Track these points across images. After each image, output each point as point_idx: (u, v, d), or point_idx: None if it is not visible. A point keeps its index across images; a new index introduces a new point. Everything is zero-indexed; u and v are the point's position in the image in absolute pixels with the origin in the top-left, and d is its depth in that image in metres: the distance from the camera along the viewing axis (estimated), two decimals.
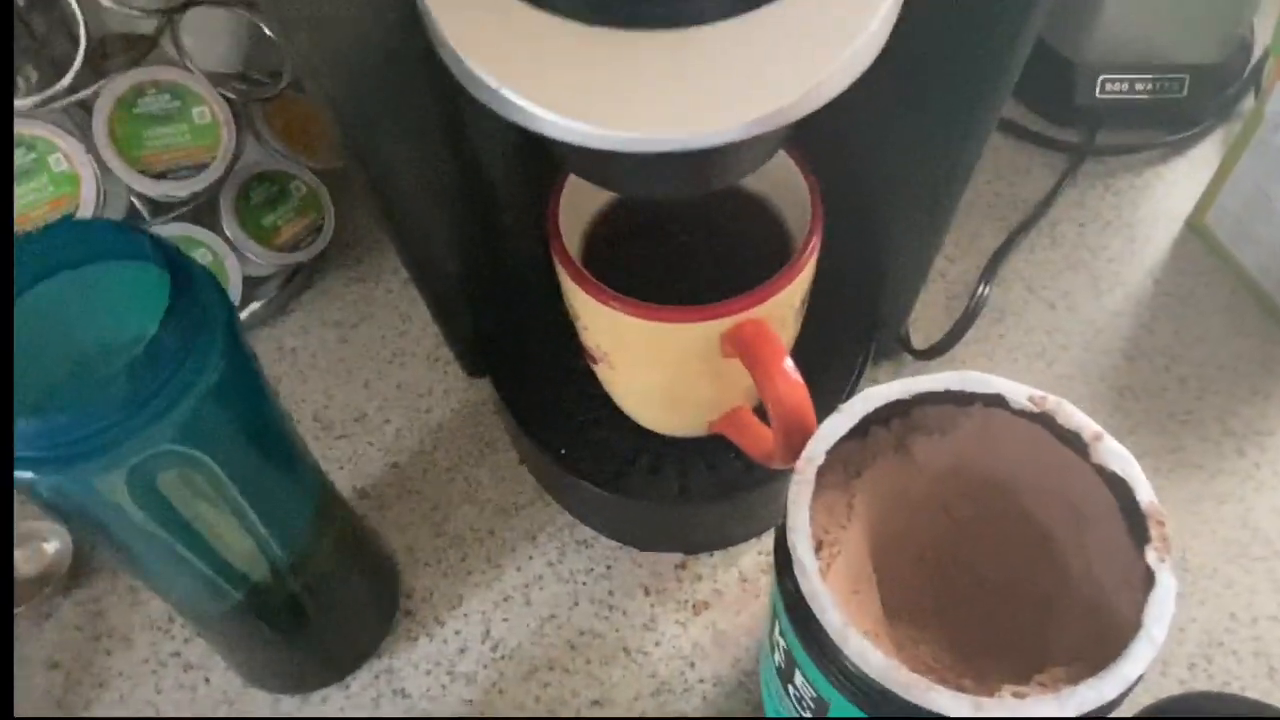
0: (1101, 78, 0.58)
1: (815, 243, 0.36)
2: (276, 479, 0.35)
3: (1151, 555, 0.29)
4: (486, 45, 0.21)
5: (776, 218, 0.40)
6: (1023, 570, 0.34)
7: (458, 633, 0.45)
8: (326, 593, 0.40)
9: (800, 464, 0.31)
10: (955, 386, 0.33)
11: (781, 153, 0.38)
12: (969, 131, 0.38)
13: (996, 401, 0.33)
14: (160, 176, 0.45)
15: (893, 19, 0.22)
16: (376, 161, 0.36)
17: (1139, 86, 0.58)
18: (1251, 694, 0.43)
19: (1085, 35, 0.58)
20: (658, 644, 0.45)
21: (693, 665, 0.44)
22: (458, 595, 0.46)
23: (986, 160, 0.61)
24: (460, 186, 0.43)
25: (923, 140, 0.40)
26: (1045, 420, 0.32)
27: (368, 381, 0.54)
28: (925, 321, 0.54)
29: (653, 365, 0.38)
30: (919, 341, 0.53)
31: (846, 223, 0.47)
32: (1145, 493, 0.30)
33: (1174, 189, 0.59)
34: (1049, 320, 0.54)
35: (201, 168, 0.46)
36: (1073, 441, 0.32)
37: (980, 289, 0.54)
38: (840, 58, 0.21)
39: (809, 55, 0.21)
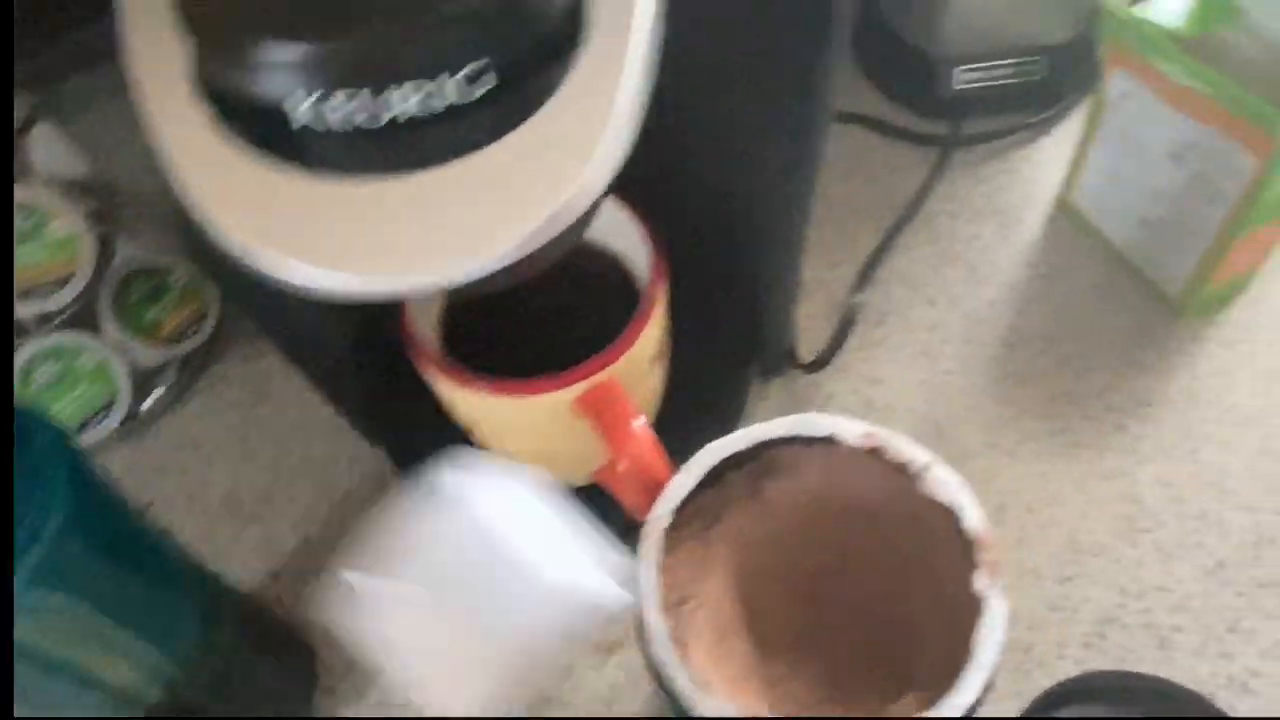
0: (959, 68, 0.59)
1: (655, 302, 0.36)
2: (153, 596, 0.36)
3: (981, 581, 0.30)
4: (229, 206, 0.22)
5: (629, 272, 0.41)
6: (889, 596, 0.36)
7: (379, 703, 0.46)
8: (231, 689, 0.40)
9: (646, 526, 0.32)
10: (792, 432, 0.34)
11: (620, 209, 0.39)
12: (800, 140, 0.38)
13: (829, 441, 0.34)
14: (25, 295, 0.45)
15: (632, 127, 0.23)
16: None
17: (997, 72, 0.60)
18: (1145, 666, 0.44)
19: (938, 28, 0.59)
20: (576, 689, 0.46)
21: (610, 706, 0.45)
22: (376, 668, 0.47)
23: (859, 161, 0.62)
24: None
25: (757, 158, 0.40)
26: (879, 455, 0.33)
27: (273, 459, 0.54)
28: (813, 333, 0.55)
29: (515, 433, 0.39)
30: (808, 354, 0.54)
31: (709, 250, 0.48)
32: (972, 520, 0.31)
33: (1042, 170, 0.60)
34: (930, 317, 0.55)
35: (66, 280, 0.46)
36: (905, 472, 0.33)
37: (854, 295, 0.55)
38: (576, 182, 0.22)
39: (543, 183, 0.22)
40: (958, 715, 0.28)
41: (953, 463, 0.50)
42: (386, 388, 0.48)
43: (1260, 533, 0.47)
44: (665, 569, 0.32)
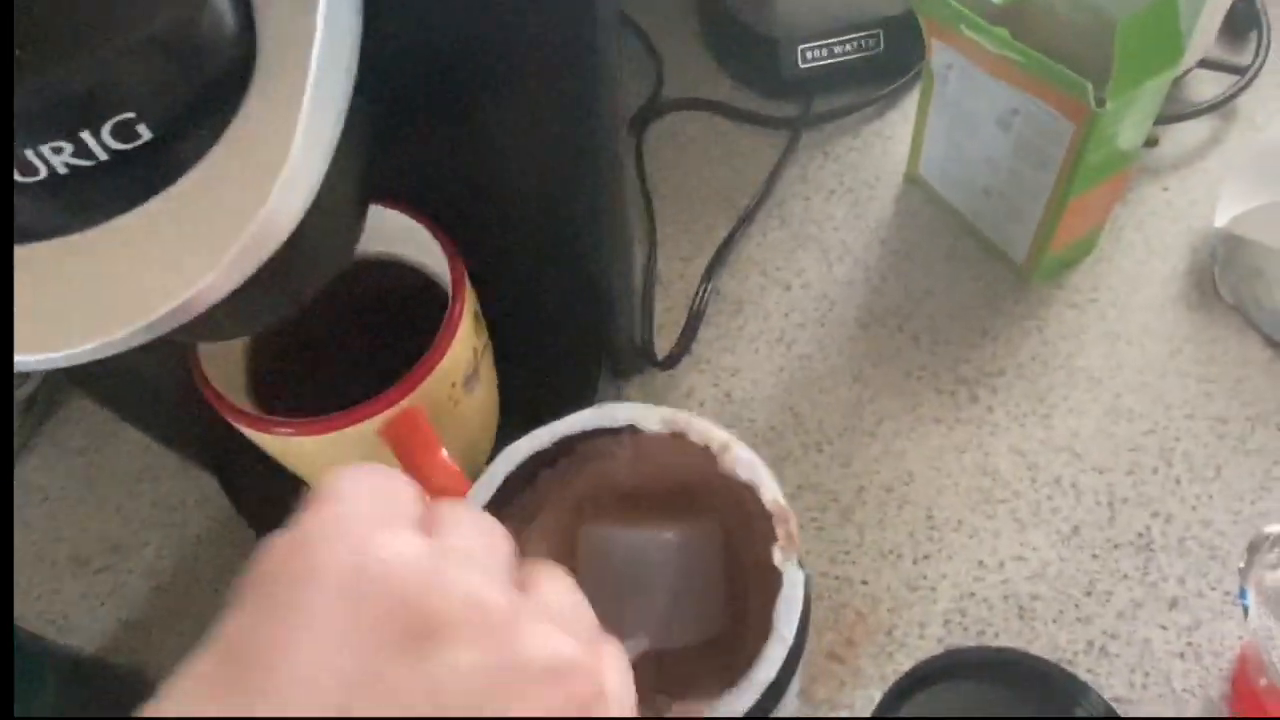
0: (801, 47, 0.59)
1: (457, 320, 0.35)
2: None
3: (777, 554, 0.30)
4: None
5: (441, 288, 0.40)
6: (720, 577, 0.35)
7: None
8: None
9: None
10: (593, 424, 0.34)
11: (419, 225, 0.38)
12: (589, 129, 0.37)
13: (635, 430, 0.34)
14: None
15: (318, 161, 0.22)
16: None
17: (838, 49, 0.59)
18: (1005, 637, 0.44)
19: (776, 9, 0.58)
20: None
21: None
22: None
23: (713, 148, 0.61)
24: None
25: (550, 154, 0.39)
26: (682, 439, 0.33)
27: (119, 506, 0.52)
28: (673, 328, 0.54)
29: (328, 469, 0.37)
30: (664, 349, 0.53)
31: (534, 256, 0.46)
32: (770, 493, 0.31)
33: (892, 144, 0.60)
34: (785, 302, 0.55)
35: None
36: (709, 453, 0.33)
37: (703, 285, 0.54)
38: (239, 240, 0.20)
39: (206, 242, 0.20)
40: (758, 695, 0.28)
41: (811, 448, 0.50)
42: (221, 427, 0.47)
43: (1113, 494, 0.47)
44: None
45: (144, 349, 0.42)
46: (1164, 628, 0.44)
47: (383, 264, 0.39)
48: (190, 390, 0.44)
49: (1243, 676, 0.41)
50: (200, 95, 0.20)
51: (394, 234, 0.38)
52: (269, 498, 0.46)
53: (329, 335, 0.40)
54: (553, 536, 0.35)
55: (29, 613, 0.49)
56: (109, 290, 0.22)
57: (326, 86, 0.21)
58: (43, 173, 0.20)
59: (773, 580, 0.31)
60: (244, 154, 0.21)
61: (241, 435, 0.44)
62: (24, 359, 0.22)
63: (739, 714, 0.28)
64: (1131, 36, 0.40)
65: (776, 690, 0.29)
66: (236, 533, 0.50)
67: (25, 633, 0.41)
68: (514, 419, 0.46)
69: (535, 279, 0.47)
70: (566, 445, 0.34)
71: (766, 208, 0.58)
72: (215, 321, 0.26)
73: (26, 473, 0.54)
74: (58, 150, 0.20)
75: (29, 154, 0.19)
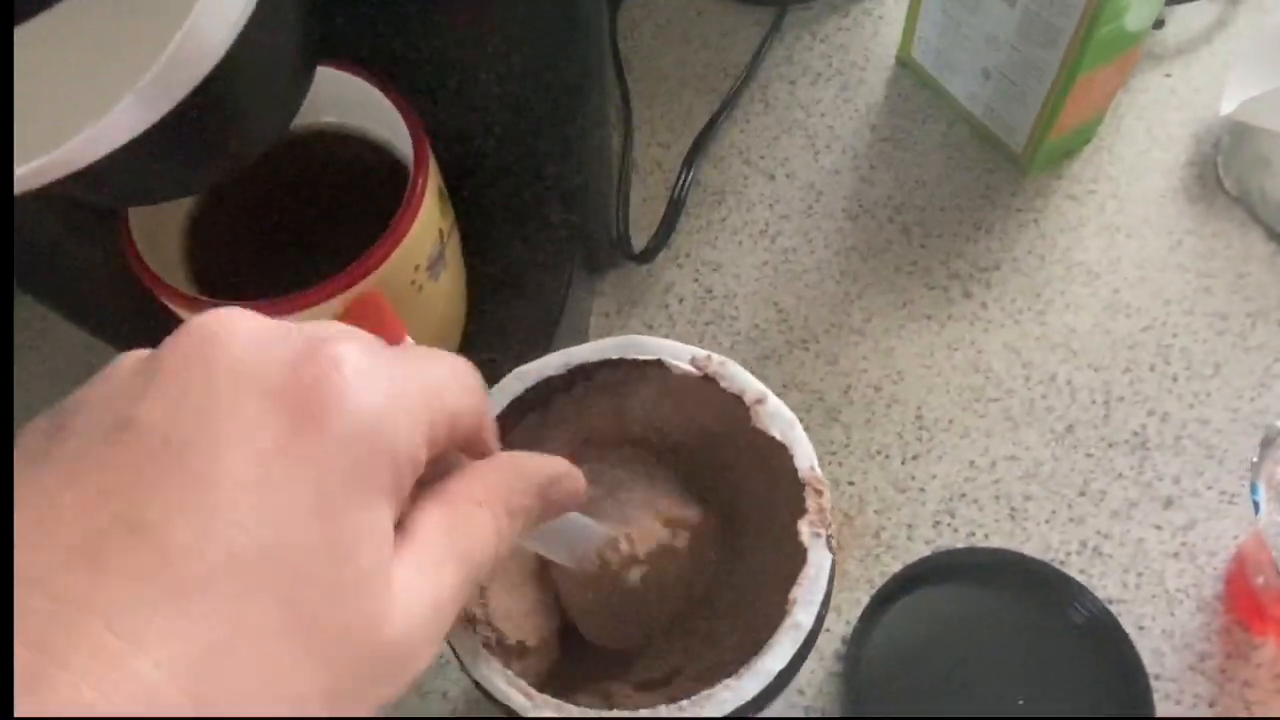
0: None
1: (419, 199, 0.32)
2: None
3: (805, 530, 0.27)
4: None
5: (403, 165, 0.36)
6: (727, 532, 0.33)
7: None
8: None
9: None
10: (614, 354, 0.31)
11: (376, 91, 0.34)
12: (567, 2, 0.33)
13: (661, 365, 0.31)
14: None
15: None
16: None
17: None
18: (996, 539, 0.43)
19: None
20: (445, 695, 0.42)
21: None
22: None
23: (693, 27, 0.57)
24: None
25: (523, 26, 0.35)
26: (711, 384, 0.30)
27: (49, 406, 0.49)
28: (649, 219, 0.51)
29: None
30: (643, 243, 0.50)
31: (507, 138, 0.43)
32: (804, 458, 0.28)
33: (882, 24, 0.56)
34: (770, 192, 0.52)
35: None
36: (740, 403, 0.30)
37: (683, 174, 0.51)
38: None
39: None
40: (765, 684, 0.25)
41: (797, 346, 0.47)
42: (157, 316, 0.43)
43: (1109, 391, 0.45)
44: None
45: (70, 224, 0.38)
46: (1158, 527, 0.42)
47: (336, 136, 0.36)
48: (128, 279, 0.41)
49: (1239, 576, 0.40)
50: None
51: (351, 102, 0.34)
52: None
53: (275, 215, 0.36)
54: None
55: None
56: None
57: None
58: None
59: (794, 553, 0.28)
60: None
61: (176, 323, 0.41)
62: None
63: (745, 700, 0.25)
64: None
65: (784, 678, 0.26)
66: None
67: None
68: (483, 316, 0.43)
69: (505, 163, 0.43)
70: (583, 372, 0.31)
71: (749, 92, 0.54)
72: (138, 170, 0.23)
73: None
74: None
75: None
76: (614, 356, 0.31)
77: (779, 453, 0.29)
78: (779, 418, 0.29)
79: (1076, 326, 0.47)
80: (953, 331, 0.47)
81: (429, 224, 0.33)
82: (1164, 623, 0.41)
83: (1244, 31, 0.54)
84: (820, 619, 0.26)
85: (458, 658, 0.27)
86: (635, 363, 0.31)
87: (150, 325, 0.42)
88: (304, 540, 0.16)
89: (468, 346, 0.42)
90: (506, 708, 0.25)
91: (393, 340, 0.31)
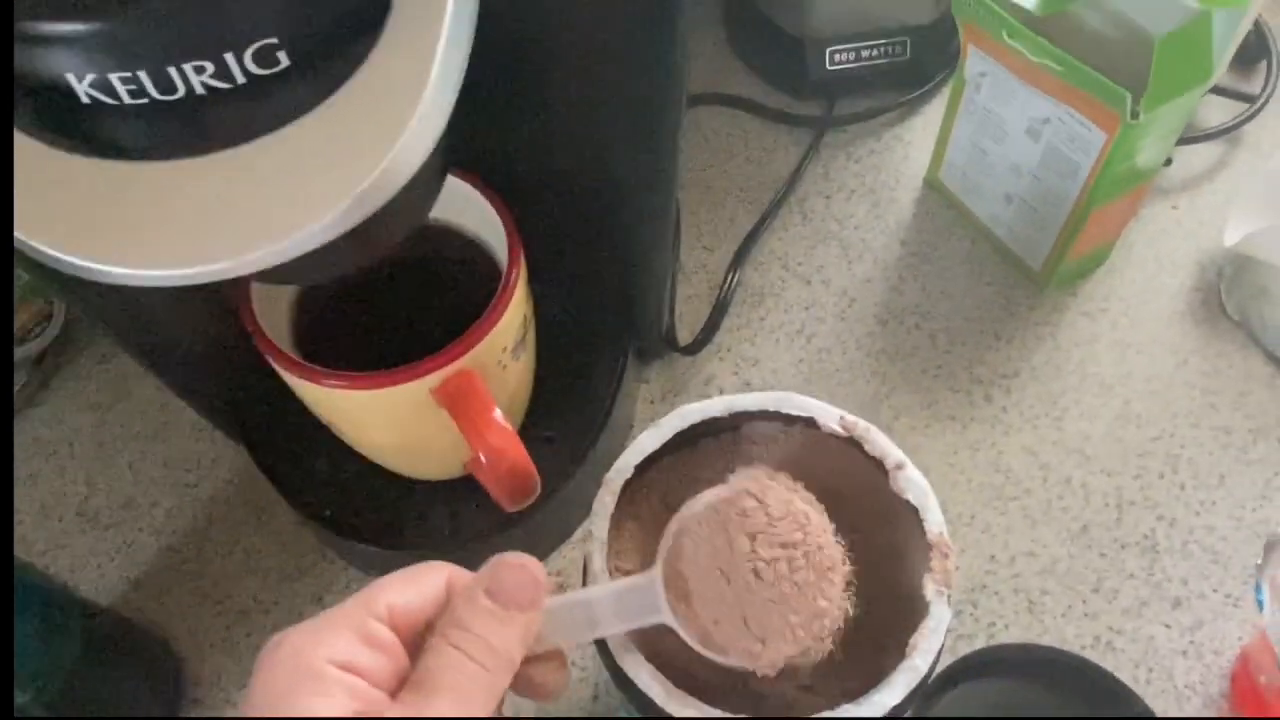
0: (829, 50, 0.60)
1: (511, 287, 0.36)
2: None
3: (929, 586, 0.30)
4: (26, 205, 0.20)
5: (491, 258, 0.40)
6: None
7: None
8: (84, 707, 0.38)
9: (609, 477, 0.32)
10: (771, 406, 0.34)
11: (475, 192, 0.38)
12: (652, 114, 0.37)
13: (810, 423, 0.34)
14: None
15: (446, 101, 0.22)
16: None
17: (865, 54, 0.60)
18: (1015, 630, 0.45)
19: (808, 12, 0.59)
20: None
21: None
22: (247, 672, 0.45)
23: (737, 143, 0.62)
24: None
25: (610, 134, 0.39)
26: (855, 444, 0.33)
27: (131, 463, 0.52)
28: (694, 316, 0.55)
29: (376, 429, 0.38)
30: (687, 337, 0.53)
31: (577, 233, 0.47)
32: (935, 524, 0.32)
33: (912, 149, 0.61)
34: (805, 296, 0.56)
35: None
36: (881, 467, 0.33)
37: (729, 276, 0.55)
38: (374, 171, 0.21)
39: (342, 170, 0.21)
40: (880, 715, 0.28)
41: None
42: (245, 383, 0.47)
43: (1121, 496, 0.49)
44: (620, 522, 0.32)
45: (176, 295, 0.42)
46: (1167, 626, 0.45)
47: (436, 228, 0.40)
48: (214, 341, 0.44)
49: (1243, 674, 0.43)
50: (339, 26, 0.21)
51: (450, 201, 0.38)
52: (289, 456, 0.46)
53: (373, 295, 0.40)
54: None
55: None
56: (220, 220, 0.22)
57: (458, 29, 0.22)
58: (181, 91, 0.20)
59: (913, 609, 0.30)
60: (376, 91, 0.21)
61: (265, 393, 0.44)
62: (122, 271, 0.22)
63: None
64: (1169, 51, 0.42)
65: (896, 713, 0.28)
66: (250, 495, 0.50)
67: (56, 583, 0.40)
68: (545, 397, 0.46)
69: (576, 257, 0.47)
70: (736, 420, 0.34)
71: (788, 204, 0.59)
72: (300, 264, 0.27)
73: (36, 427, 0.53)
74: (200, 70, 0.20)
75: (171, 71, 0.20)
76: (771, 408, 0.34)
77: (911, 516, 0.32)
78: (915, 484, 0.32)
79: (1090, 433, 0.50)
80: (975, 433, 0.51)
81: (517, 310, 0.36)
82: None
83: (1244, 171, 0.59)
84: (933, 667, 0.29)
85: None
86: (789, 417, 0.34)
87: (232, 389, 0.46)
88: None
89: (529, 423, 0.45)
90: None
91: (484, 413, 0.34)
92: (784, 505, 0.29)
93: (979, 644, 0.45)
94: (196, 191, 0.21)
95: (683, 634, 0.28)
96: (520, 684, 0.27)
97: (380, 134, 0.21)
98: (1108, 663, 0.44)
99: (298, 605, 0.47)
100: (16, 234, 0.21)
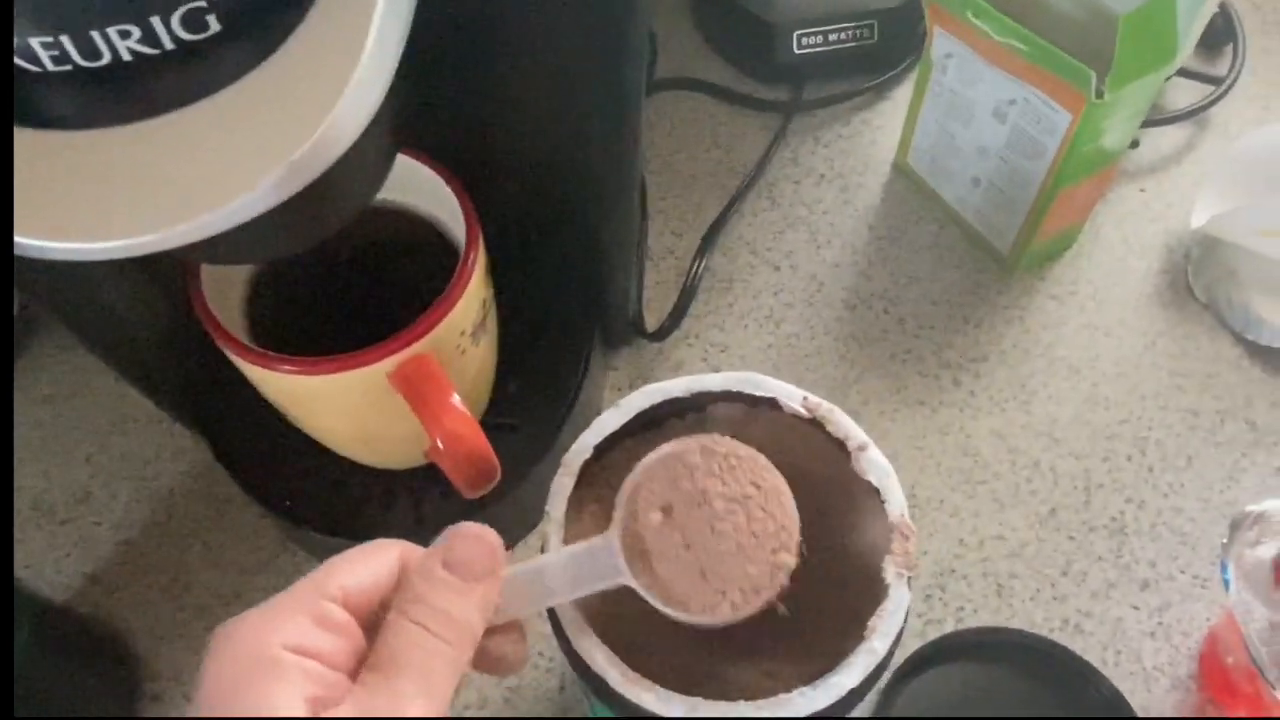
0: (797, 33, 0.59)
1: (469, 271, 0.35)
2: None
3: (890, 569, 0.30)
4: None
5: (450, 241, 0.39)
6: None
7: None
8: (35, 704, 0.37)
9: (567, 458, 0.32)
10: (734, 387, 0.34)
11: (434, 174, 0.37)
12: (615, 99, 0.37)
13: (773, 404, 0.34)
14: None
15: (384, 70, 0.21)
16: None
17: (833, 37, 0.60)
18: (984, 613, 0.45)
19: None
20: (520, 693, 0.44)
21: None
22: None
23: (704, 128, 0.61)
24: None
25: (573, 119, 0.39)
26: (818, 425, 0.33)
27: (89, 456, 0.51)
28: (661, 302, 0.54)
29: (331, 415, 0.37)
30: (654, 323, 0.53)
31: (541, 218, 0.46)
32: (896, 506, 0.31)
33: (880, 133, 0.61)
34: (774, 281, 0.55)
35: None
36: (843, 448, 0.33)
37: (697, 262, 0.54)
38: (308, 140, 0.20)
39: (279, 134, 0.20)
40: (837, 697, 0.28)
41: None
42: (204, 374, 0.46)
43: (1089, 479, 0.48)
44: (581, 504, 0.32)
45: (129, 283, 0.41)
46: (1135, 608, 0.45)
47: (391, 210, 0.39)
48: (171, 332, 0.43)
49: (1211, 655, 0.43)
50: None
51: (405, 182, 0.37)
52: (249, 448, 0.45)
53: (328, 280, 0.39)
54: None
55: None
56: (150, 190, 0.21)
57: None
58: (106, 57, 0.19)
59: (874, 591, 0.30)
60: (311, 58, 0.20)
61: (223, 384, 0.43)
62: (48, 245, 0.21)
63: (816, 709, 0.27)
64: (1132, 30, 0.42)
65: (853, 697, 0.28)
66: (210, 488, 0.49)
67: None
68: (509, 384, 0.45)
69: (539, 242, 0.47)
70: (700, 401, 0.34)
71: (757, 189, 0.58)
72: (240, 239, 0.26)
73: None
74: (125, 34, 0.19)
75: (96, 36, 0.19)
76: (735, 389, 0.34)
77: (873, 497, 0.32)
78: (877, 465, 0.32)
79: (1058, 417, 0.50)
80: (943, 417, 0.50)
81: (476, 294, 0.36)
82: (1141, 699, 0.43)
83: (1211, 154, 0.59)
84: (892, 651, 0.29)
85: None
86: (752, 398, 0.34)
87: (191, 380, 0.45)
88: None
89: (493, 410, 0.44)
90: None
91: (441, 398, 0.34)
92: (738, 458, 0.29)
93: (947, 628, 0.45)
94: (126, 161, 0.20)
95: (642, 592, 0.28)
96: (480, 659, 0.27)
97: (315, 101, 0.20)
98: (1076, 645, 0.44)
99: (258, 598, 0.45)
100: None
